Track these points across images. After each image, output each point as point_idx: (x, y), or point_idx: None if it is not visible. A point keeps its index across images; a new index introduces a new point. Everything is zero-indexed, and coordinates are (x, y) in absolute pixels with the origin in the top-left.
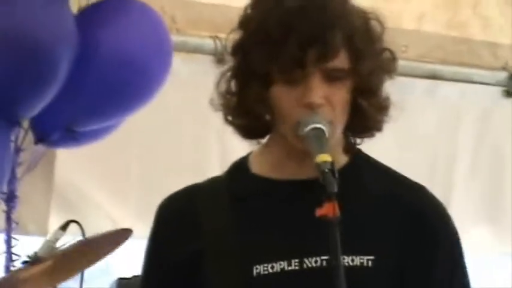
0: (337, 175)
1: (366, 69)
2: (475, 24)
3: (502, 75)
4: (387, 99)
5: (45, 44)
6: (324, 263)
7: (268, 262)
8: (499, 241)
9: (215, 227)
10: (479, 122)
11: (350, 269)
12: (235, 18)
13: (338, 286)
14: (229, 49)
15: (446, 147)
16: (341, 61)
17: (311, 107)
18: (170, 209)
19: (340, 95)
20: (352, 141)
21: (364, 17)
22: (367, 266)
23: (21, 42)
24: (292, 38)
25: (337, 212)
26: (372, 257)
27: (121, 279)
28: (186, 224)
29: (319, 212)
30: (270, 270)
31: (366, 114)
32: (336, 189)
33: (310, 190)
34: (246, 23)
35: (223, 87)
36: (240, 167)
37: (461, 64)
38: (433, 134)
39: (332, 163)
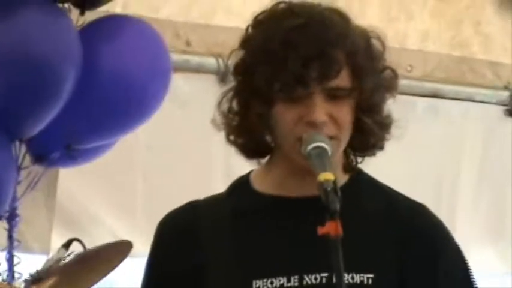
0: (339, 194)
1: (368, 87)
2: (477, 44)
3: (504, 94)
4: (389, 117)
5: (49, 62)
6: (324, 279)
7: (267, 277)
8: (503, 261)
9: (216, 242)
10: (482, 141)
11: (350, 286)
12: None
13: None
14: (231, 68)
15: (450, 167)
16: (343, 80)
17: (314, 126)
18: (171, 225)
19: (344, 112)
20: (353, 160)
21: (365, 36)
22: (367, 284)
23: (25, 60)
24: (294, 55)
25: (340, 230)
26: (371, 275)
27: None
28: (186, 239)
29: (321, 230)
30: (270, 286)
31: (369, 132)
32: (338, 208)
33: (310, 208)
34: (247, 42)
35: (225, 106)
36: (241, 184)
37: (463, 83)
38: (437, 153)
39: (334, 181)
